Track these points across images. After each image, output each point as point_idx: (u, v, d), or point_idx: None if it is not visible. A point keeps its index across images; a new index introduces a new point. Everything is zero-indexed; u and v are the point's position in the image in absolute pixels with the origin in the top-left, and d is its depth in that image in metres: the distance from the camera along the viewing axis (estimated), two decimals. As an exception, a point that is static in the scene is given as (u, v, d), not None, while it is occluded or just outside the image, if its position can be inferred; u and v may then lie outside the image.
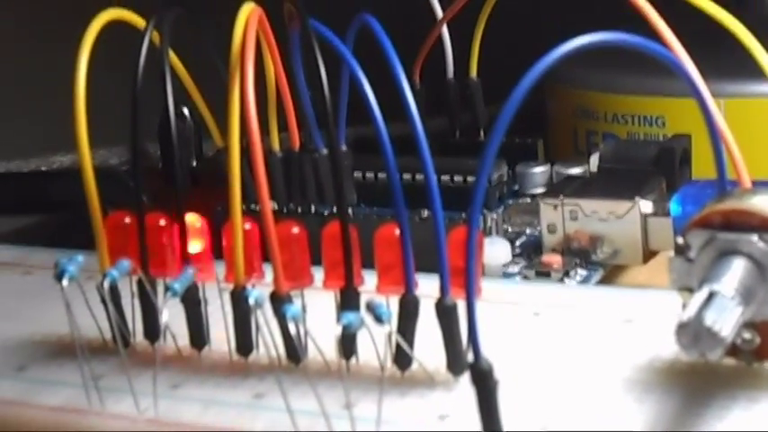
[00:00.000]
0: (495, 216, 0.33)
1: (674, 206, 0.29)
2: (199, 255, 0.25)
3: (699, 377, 0.23)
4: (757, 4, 0.43)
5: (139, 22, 0.27)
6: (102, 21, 0.26)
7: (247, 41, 0.24)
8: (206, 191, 0.31)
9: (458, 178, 0.34)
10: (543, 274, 0.30)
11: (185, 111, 0.36)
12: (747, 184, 0.23)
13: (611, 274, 0.31)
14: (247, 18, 0.25)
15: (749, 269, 0.21)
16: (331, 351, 0.24)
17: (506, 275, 0.30)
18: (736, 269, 0.21)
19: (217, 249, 0.25)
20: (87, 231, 0.26)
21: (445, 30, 0.36)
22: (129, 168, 0.46)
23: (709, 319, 0.20)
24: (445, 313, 0.23)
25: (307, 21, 0.25)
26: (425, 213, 0.31)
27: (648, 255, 0.30)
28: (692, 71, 0.23)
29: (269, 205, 0.23)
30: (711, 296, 0.20)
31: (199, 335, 0.25)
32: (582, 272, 0.30)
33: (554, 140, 0.43)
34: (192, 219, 0.25)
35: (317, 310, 0.24)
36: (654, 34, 0.25)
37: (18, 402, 0.25)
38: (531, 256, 0.31)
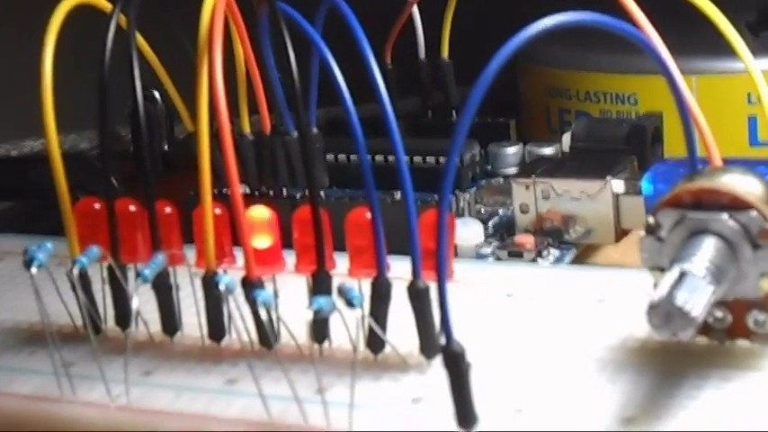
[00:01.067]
0: (467, 196, 0.33)
1: (645, 185, 0.29)
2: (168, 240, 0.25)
3: (671, 356, 0.23)
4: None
5: (106, 5, 0.27)
6: (69, 5, 0.25)
7: (215, 24, 0.24)
8: (178, 175, 0.30)
9: (430, 159, 0.34)
10: (516, 254, 0.30)
11: (156, 94, 0.35)
12: (718, 162, 0.23)
13: (583, 253, 0.31)
14: (215, 1, 0.24)
15: (720, 248, 0.21)
16: (304, 336, 0.24)
17: (479, 256, 0.30)
18: (707, 248, 0.21)
19: (188, 234, 0.25)
20: (59, 217, 0.26)
21: (416, 10, 0.36)
22: (99, 153, 0.46)
23: (681, 298, 0.20)
24: (417, 296, 0.23)
25: (275, 3, 0.25)
26: (398, 195, 0.31)
27: (621, 233, 0.30)
28: (662, 50, 0.23)
29: (239, 190, 0.23)
30: (682, 276, 0.20)
31: (170, 321, 0.25)
32: (555, 252, 0.30)
33: (527, 120, 0.43)
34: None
35: (290, 294, 0.24)
36: (624, 12, 0.25)
37: (-11, 391, 0.24)
38: (503, 236, 0.31)
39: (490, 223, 0.32)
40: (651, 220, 0.22)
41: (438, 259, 0.20)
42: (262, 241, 0.24)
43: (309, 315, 0.23)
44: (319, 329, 0.23)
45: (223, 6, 0.24)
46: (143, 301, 0.24)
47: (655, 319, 0.20)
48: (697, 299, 0.20)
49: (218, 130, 0.23)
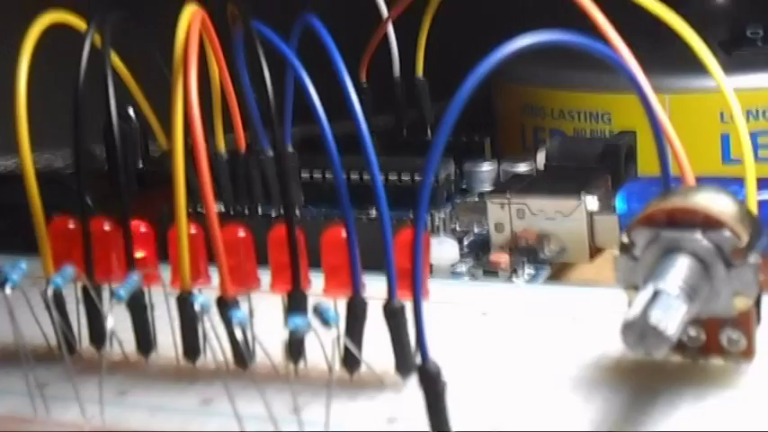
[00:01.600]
0: (442, 215, 0.33)
1: (619, 203, 0.29)
2: (143, 259, 0.25)
3: (645, 374, 0.23)
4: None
5: (81, 24, 0.27)
6: (43, 24, 0.25)
7: (190, 43, 0.24)
8: (152, 193, 0.30)
9: (405, 177, 0.34)
10: (491, 272, 0.30)
11: (131, 112, 0.35)
12: (691, 181, 0.23)
13: (558, 271, 0.31)
14: (189, 20, 0.24)
15: (693, 267, 0.21)
16: (279, 355, 0.24)
17: (454, 275, 0.30)
18: (681, 267, 0.21)
19: (163, 253, 0.25)
20: (30, 235, 0.26)
21: (391, 29, 0.36)
22: (73, 172, 0.46)
23: (655, 317, 0.20)
24: (393, 315, 0.23)
25: (249, 22, 0.25)
26: (374, 213, 0.31)
27: (595, 252, 0.30)
28: (634, 68, 0.23)
29: (214, 209, 0.23)
30: (656, 294, 0.20)
31: (145, 340, 0.25)
32: (529, 270, 0.30)
33: (502, 138, 0.43)
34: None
35: (265, 313, 0.24)
36: (597, 30, 0.25)
37: (-38, 412, 0.24)
38: (478, 254, 0.31)
39: (465, 242, 0.32)
40: (625, 238, 0.22)
41: (414, 279, 0.20)
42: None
43: (285, 334, 0.23)
44: (295, 349, 0.23)
45: (198, 25, 0.24)
46: (118, 320, 0.24)
47: (629, 338, 0.20)
48: (671, 317, 0.20)
49: (193, 148, 0.23)
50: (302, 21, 0.26)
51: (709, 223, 0.21)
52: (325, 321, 0.22)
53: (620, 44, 0.24)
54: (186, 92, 0.24)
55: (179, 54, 0.24)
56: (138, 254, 0.25)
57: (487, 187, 0.34)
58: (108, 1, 0.26)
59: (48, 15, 0.26)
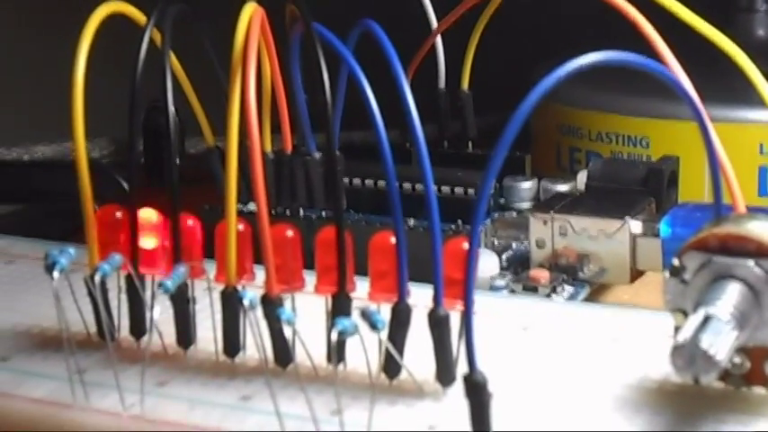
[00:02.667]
0: (482, 228, 0.33)
1: (663, 227, 0.29)
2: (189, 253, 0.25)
3: (688, 399, 0.23)
4: (747, 26, 0.43)
5: (139, 16, 0.27)
6: (103, 14, 0.26)
7: (250, 41, 0.24)
8: (190, 189, 0.30)
9: (445, 189, 0.34)
10: (530, 288, 0.30)
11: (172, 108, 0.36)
12: (743, 208, 0.23)
13: (596, 291, 0.31)
14: (250, 18, 0.25)
15: (744, 294, 0.21)
16: (318, 356, 0.24)
17: (493, 288, 0.30)
18: (732, 293, 0.21)
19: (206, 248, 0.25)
20: (66, 222, 0.26)
21: (439, 40, 0.36)
22: (111, 162, 0.46)
23: (706, 342, 0.20)
24: (437, 324, 0.23)
25: (310, 23, 0.25)
26: (412, 222, 0.31)
27: (635, 274, 0.30)
28: (694, 94, 0.23)
29: (265, 208, 0.23)
30: (707, 319, 0.20)
31: (186, 333, 0.25)
32: (568, 288, 0.30)
33: (537, 155, 0.43)
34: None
35: (303, 314, 0.24)
36: (653, 53, 0.25)
37: (1, 393, 0.24)
38: (517, 269, 0.31)
39: (504, 256, 0.32)
40: (676, 261, 0.22)
41: (466, 287, 0.20)
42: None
43: (325, 335, 0.23)
44: (339, 351, 0.23)
45: (258, 23, 0.25)
46: (156, 311, 0.24)
47: (678, 361, 0.20)
48: (721, 343, 0.20)
49: (249, 147, 0.23)
50: (361, 25, 0.26)
51: (761, 252, 0.21)
52: (373, 325, 0.22)
53: (679, 70, 0.24)
54: (244, 91, 0.24)
55: (238, 52, 0.24)
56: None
57: (526, 204, 0.34)
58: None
59: (107, 5, 0.26)
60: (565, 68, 0.21)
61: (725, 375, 0.22)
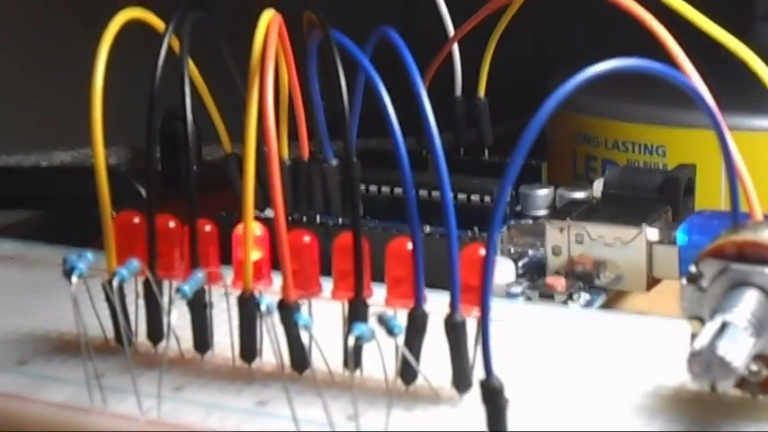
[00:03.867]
0: (498, 236, 0.33)
1: (680, 235, 0.29)
2: (207, 259, 0.25)
3: (704, 406, 0.23)
4: (764, 35, 0.43)
5: (157, 23, 0.27)
6: (122, 20, 0.26)
7: (267, 48, 0.24)
8: (207, 195, 0.30)
9: (461, 196, 0.34)
10: (546, 295, 0.30)
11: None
12: (760, 216, 0.23)
13: (612, 299, 0.31)
14: (268, 25, 0.25)
15: (761, 301, 0.21)
16: (334, 361, 0.24)
17: (509, 295, 0.30)
18: (749, 300, 0.21)
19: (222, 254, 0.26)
20: (83, 228, 0.26)
21: (456, 48, 0.36)
22: (129, 169, 0.46)
23: (723, 348, 0.20)
24: (454, 329, 0.23)
25: (328, 30, 0.25)
26: (428, 229, 0.31)
27: (652, 282, 0.30)
28: (711, 102, 0.23)
29: (283, 214, 0.23)
30: (724, 326, 0.20)
31: (203, 338, 0.25)
32: (585, 296, 0.30)
33: (553, 163, 0.43)
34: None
35: (319, 319, 0.24)
36: (670, 61, 0.25)
37: (19, 397, 0.24)
38: (533, 277, 0.31)
39: (520, 263, 0.32)
40: (694, 269, 0.22)
41: (483, 293, 0.20)
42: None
43: (342, 341, 0.23)
44: (355, 356, 0.23)
45: (276, 30, 0.25)
46: (173, 316, 0.24)
47: (695, 367, 0.20)
48: (738, 350, 0.20)
49: (267, 154, 0.23)
50: (378, 32, 0.26)
51: (779, 259, 0.21)
52: (390, 331, 0.22)
53: (697, 78, 0.25)
54: (262, 98, 0.24)
55: (256, 58, 0.24)
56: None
57: (542, 211, 0.34)
58: (184, 1, 0.27)
59: (126, 12, 0.26)
60: (581, 76, 0.21)
61: (742, 383, 0.22)
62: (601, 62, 0.21)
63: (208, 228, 0.26)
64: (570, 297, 0.30)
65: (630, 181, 0.33)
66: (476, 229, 0.32)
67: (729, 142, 0.23)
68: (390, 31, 0.25)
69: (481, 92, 0.37)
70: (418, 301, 0.23)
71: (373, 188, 0.35)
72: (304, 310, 0.24)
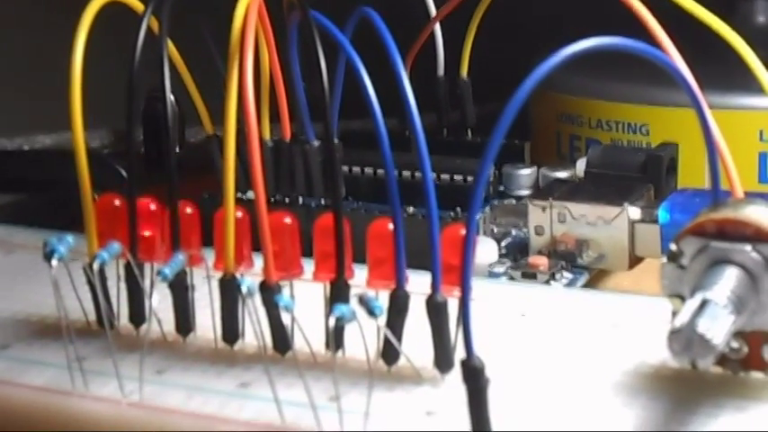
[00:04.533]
0: (481, 215, 0.33)
1: (662, 213, 0.29)
2: (189, 241, 0.25)
3: (685, 384, 0.23)
4: (747, 13, 0.43)
5: (136, 4, 0.27)
6: (100, 2, 0.25)
7: (247, 29, 0.24)
8: (189, 177, 0.30)
9: (444, 176, 0.34)
10: (529, 275, 0.30)
11: (171, 96, 0.36)
12: (740, 194, 0.23)
13: (595, 278, 0.31)
14: (248, 6, 0.25)
15: (741, 279, 0.21)
16: (316, 342, 0.24)
17: (492, 275, 0.30)
18: (729, 278, 0.21)
19: (204, 236, 0.25)
20: (66, 212, 0.26)
21: (438, 28, 0.36)
22: (111, 152, 0.46)
23: (702, 326, 0.20)
24: (435, 310, 0.23)
25: (308, 11, 0.25)
26: (411, 210, 0.31)
27: (634, 261, 0.30)
28: (692, 80, 0.23)
29: (263, 195, 0.23)
30: (704, 304, 0.20)
31: (185, 321, 0.25)
32: (567, 275, 0.30)
33: (537, 143, 0.43)
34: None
35: (302, 301, 0.24)
36: (651, 40, 0.25)
37: (1, 381, 0.24)
38: (516, 256, 0.31)
39: (503, 243, 0.32)
40: (674, 247, 0.22)
41: (463, 273, 0.20)
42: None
43: (324, 322, 0.23)
44: (337, 337, 0.23)
45: (255, 11, 0.25)
46: (155, 299, 0.24)
47: (675, 345, 0.20)
48: (718, 327, 0.20)
49: (246, 135, 0.23)
50: (359, 13, 0.26)
51: (759, 236, 0.21)
52: (371, 312, 0.22)
53: (677, 56, 0.24)
54: (241, 78, 0.24)
55: (235, 40, 0.24)
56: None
57: (525, 191, 0.34)
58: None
59: (104, -6, 0.26)
60: (560, 55, 0.21)
61: (723, 360, 0.22)
62: (581, 41, 0.21)
63: (189, 210, 0.25)
64: (553, 276, 0.30)
65: (613, 160, 0.33)
66: (458, 209, 0.32)
67: (710, 120, 0.23)
68: (370, 12, 0.25)
69: (464, 72, 0.37)
70: (399, 281, 0.23)
71: (356, 169, 0.35)
72: (285, 291, 0.24)
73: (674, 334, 0.20)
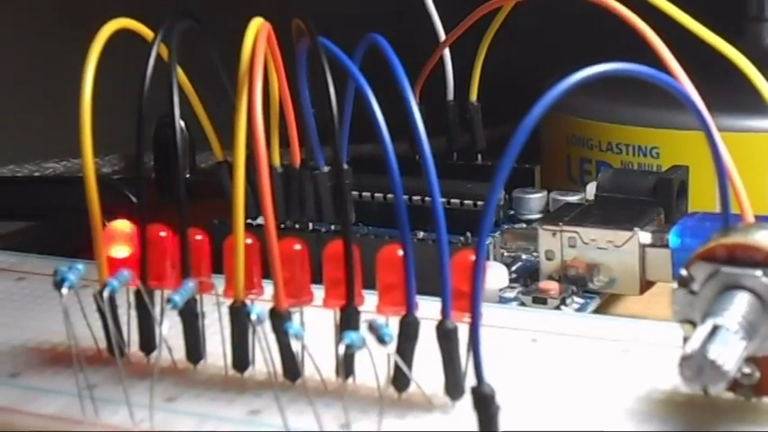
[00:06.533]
0: (491, 240, 0.33)
1: (672, 238, 0.29)
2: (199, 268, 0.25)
3: (697, 410, 0.23)
4: (756, 35, 0.43)
5: (146, 32, 0.27)
6: (110, 30, 0.26)
7: (256, 56, 0.24)
8: (198, 203, 0.30)
9: (454, 201, 0.34)
10: (540, 300, 0.30)
11: (181, 122, 0.36)
12: (751, 218, 0.23)
13: (606, 303, 0.31)
14: (256, 32, 0.25)
15: (752, 304, 0.21)
16: (326, 369, 0.24)
17: (503, 300, 0.30)
18: (740, 303, 0.21)
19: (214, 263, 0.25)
20: (75, 239, 0.26)
21: (447, 52, 0.36)
22: (121, 178, 0.46)
23: (714, 352, 0.20)
24: (446, 336, 0.23)
25: (316, 38, 0.25)
26: (420, 234, 0.31)
27: (645, 285, 0.30)
28: (701, 104, 0.23)
29: (273, 221, 0.23)
30: (715, 329, 0.20)
31: (195, 348, 0.25)
32: (578, 300, 0.30)
33: (547, 167, 0.43)
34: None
35: (311, 327, 0.24)
36: (660, 64, 0.25)
37: (11, 409, 0.24)
38: (527, 281, 0.31)
39: (513, 268, 0.32)
40: (684, 272, 0.22)
41: (473, 299, 0.20)
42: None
43: (333, 349, 0.23)
44: (347, 364, 0.23)
45: (265, 38, 0.25)
46: (165, 326, 0.24)
47: (686, 372, 0.20)
48: (729, 353, 0.20)
49: (255, 161, 0.23)
50: (367, 40, 0.26)
51: (770, 262, 0.21)
52: (381, 339, 0.22)
53: (686, 80, 0.24)
54: (251, 105, 0.24)
55: (244, 66, 0.24)
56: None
57: (536, 215, 0.34)
58: (173, 9, 0.26)
59: (115, 22, 0.26)
60: (571, 79, 0.21)
61: (734, 386, 0.22)
62: (591, 66, 0.21)
63: (199, 237, 0.25)
64: (563, 301, 0.30)
65: (623, 183, 0.33)
66: (468, 234, 0.32)
67: (719, 145, 0.23)
68: (379, 38, 0.25)
69: (473, 96, 0.37)
70: (410, 308, 0.23)
71: (366, 194, 0.35)
72: (295, 318, 0.24)
73: (686, 360, 0.20)
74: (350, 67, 0.24)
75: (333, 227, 0.32)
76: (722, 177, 0.23)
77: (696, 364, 0.20)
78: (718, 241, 0.22)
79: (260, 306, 0.23)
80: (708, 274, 0.22)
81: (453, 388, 0.23)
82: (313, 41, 0.25)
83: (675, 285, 0.22)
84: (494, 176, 0.20)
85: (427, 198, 0.33)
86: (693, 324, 0.22)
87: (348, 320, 0.24)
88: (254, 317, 0.22)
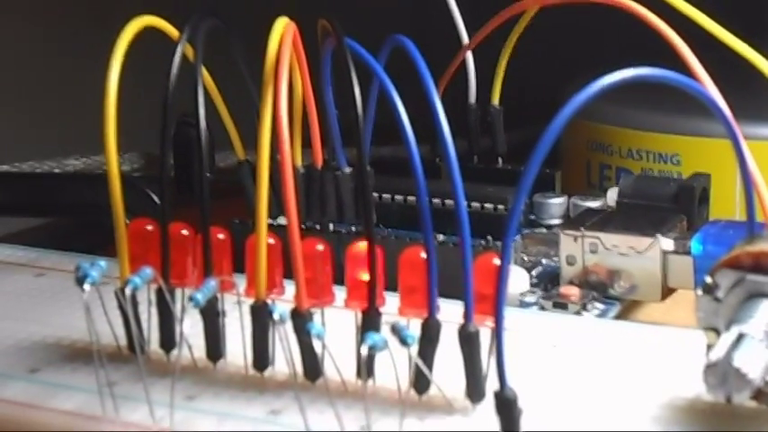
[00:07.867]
0: (512, 245, 0.33)
1: (695, 245, 0.29)
2: (220, 267, 0.25)
3: (720, 418, 0.22)
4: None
5: (171, 30, 0.27)
6: (136, 28, 0.26)
7: (281, 56, 0.24)
8: (220, 203, 0.30)
9: (475, 204, 0.34)
10: (560, 305, 0.30)
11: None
12: (776, 226, 0.23)
13: (627, 309, 0.31)
14: (282, 32, 0.25)
15: (778, 312, 0.21)
16: (347, 370, 0.24)
17: (523, 305, 0.30)
18: (765, 311, 0.21)
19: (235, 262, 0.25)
20: (94, 235, 0.26)
21: (470, 55, 0.36)
22: (141, 176, 0.46)
23: (738, 360, 0.20)
24: (468, 339, 0.23)
25: (343, 38, 0.25)
26: (441, 238, 0.31)
27: (666, 292, 0.30)
28: (727, 111, 0.23)
29: (296, 222, 0.23)
30: (740, 337, 0.20)
31: (216, 347, 0.25)
32: (599, 305, 0.30)
33: (566, 172, 0.43)
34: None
35: (332, 328, 0.24)
36: (684, 68, 0.25)
37: (31, 405, 0.24)
38: (547, 286, 0.31)
39: (534, 273, 0.32)
40: (709, 279, 0.22)
41: (497, 303, 0.20)
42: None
43: (355, 350, 0.23)
44: (368, 365, 0.23)
45: (290, 38, 0.25)
46: (186, 325, 0.24)
47: (711, 379, 0.20)
48: (754, 361, 0.20)
49: (280, 161, 0.23)
50: (392, 41, 0.26)
51: (795, 270, 0.21)
52: (403, 341, 0.22)
53: (712, 86, 0.24)
54: (276, 105, 0.24)
55: (270, 66, 0.24)
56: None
57: (556, 220, 0.34)
58: (199, 9, 0.27)
59: (140, 19, 0.26)
60: (596, 85, 0.21)
61: (758, 395, 0.22)
62: (616, 71, 0.21)
63: (221, 236, 0.25)
64: (584, 307, 0.30)
65: (645, 190, 0.33)
66: (489, 237, 0.32)
67: (745, 151, 0.23)
68: (405, 40, 0.25)
69: (495, 99, 0.37)
70: (431, 310, 0.23)
71: (387, 196, 0.35)
72: (317, 318, 0.24)
73: (711, 368, 0.20)
74: (376, 69, 0.24)
75: (353, 228, 0.32)
76: (748, 185, 0.23)
77: (721, 372, 0.20)
78: (744, 249, 0.22)
79: (282, 305, 0.23)
80: (733, 282, 0.22)
81: (474, 391, 0.23)
82: (339, 42, 0.25)
83: (700, 292, 0.22)
84: (520, 181, 0.20)
85: (447, 201, 0.33)
86: (717, 332, 0.22)
87: (369, 322, 0.23)
88: (276, 316, 0.22)
